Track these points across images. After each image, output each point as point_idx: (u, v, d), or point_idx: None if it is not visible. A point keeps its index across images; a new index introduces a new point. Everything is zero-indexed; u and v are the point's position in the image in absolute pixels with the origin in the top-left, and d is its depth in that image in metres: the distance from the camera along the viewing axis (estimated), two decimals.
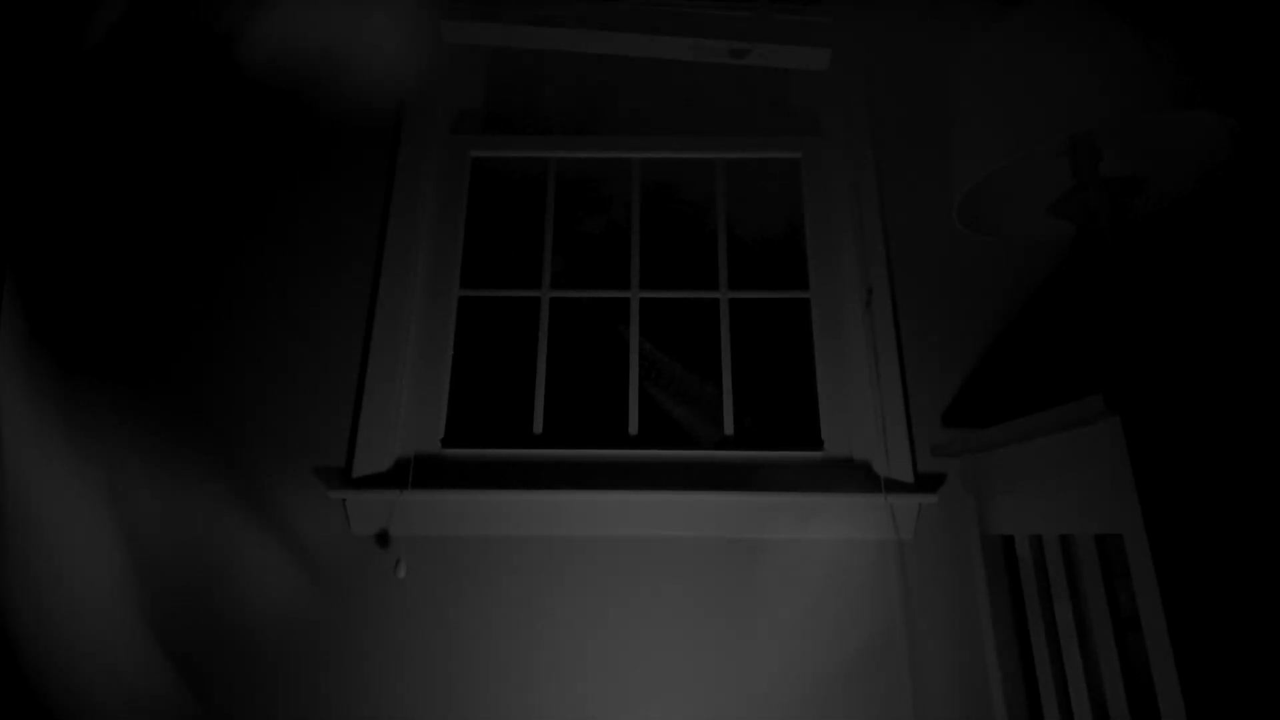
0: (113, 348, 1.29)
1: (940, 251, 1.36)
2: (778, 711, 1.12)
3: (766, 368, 1.38)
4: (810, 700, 1.12)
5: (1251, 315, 1.31)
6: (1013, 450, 1.03)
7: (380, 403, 1.26)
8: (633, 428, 1.32)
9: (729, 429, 1.32)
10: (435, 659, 1.14)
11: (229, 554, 1.18)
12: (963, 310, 1.32)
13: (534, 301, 1.42)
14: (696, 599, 1.17)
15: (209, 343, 1.30)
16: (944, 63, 1.50)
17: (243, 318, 1.32)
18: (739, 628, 1.16)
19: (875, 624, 1.15)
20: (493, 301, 1.42)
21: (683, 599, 1.17)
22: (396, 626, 1.16)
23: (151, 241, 1.36)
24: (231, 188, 1.41)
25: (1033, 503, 0.98)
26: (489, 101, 1.56)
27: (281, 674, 1.14)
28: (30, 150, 1.41)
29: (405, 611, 1.16)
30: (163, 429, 1.25)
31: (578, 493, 1.17)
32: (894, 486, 1.21)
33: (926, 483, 1.23)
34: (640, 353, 1.37)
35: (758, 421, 1.34)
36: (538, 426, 1.32)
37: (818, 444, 1.29)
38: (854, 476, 1.25)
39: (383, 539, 1.20)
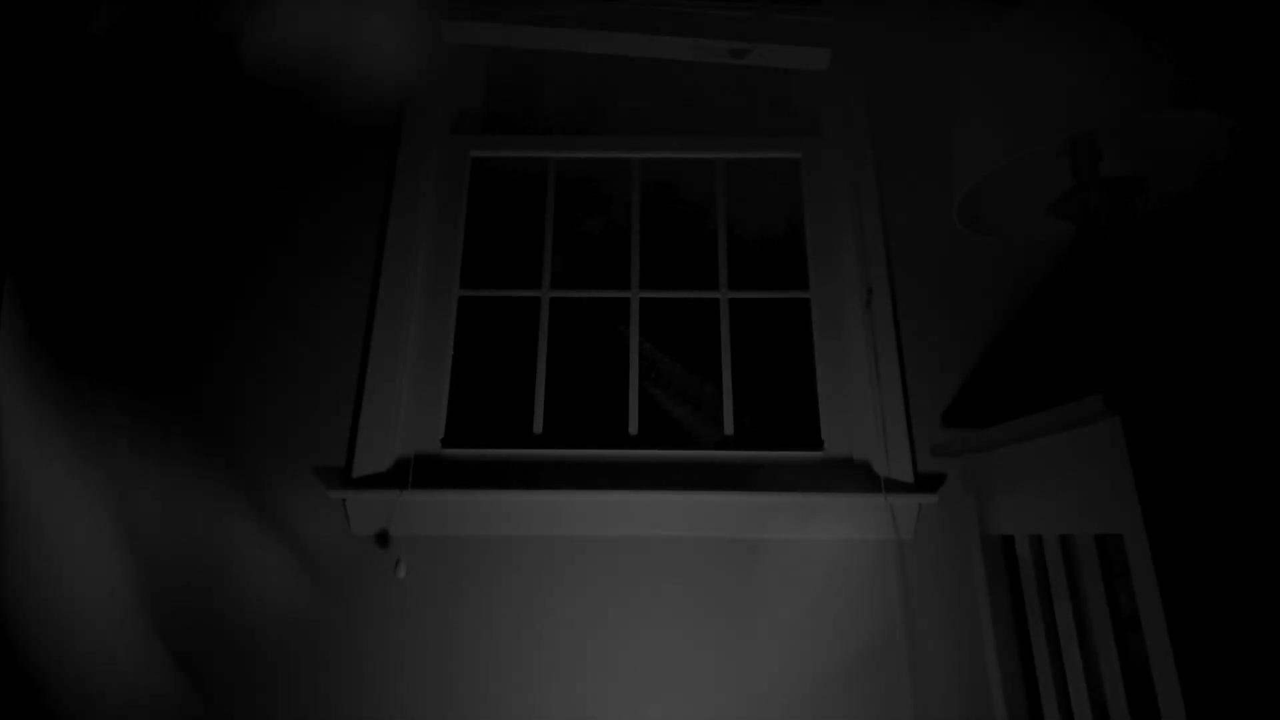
0: (113, 348, 1.29)
1: (940, 251, 1.36)
2: (778, 711, 1.12)
3: (766, 368, 1.38)
4: (810, 700, 1.12)
5: (1251, 315, 1.31)
6: (1013, 450, 1.03)
7: (380, 403, 1.26)
8: (633, 428, 1.32)
9: (729, 429, 1.32)
10: (435, 659, 1.14)
11: (229, 554, 1.18)
12: (963, 310, 1.32)
13: (534, 301, 1.42)
14: (696, 599, 1.17)
15: (209, 343, 1.30)
16: (944, 63, 1.50)
17: (243, 318, 1.32)
18: (739, 628, 1.16)
19: (875, 624, 1.15)
20: (493, 301, 1.42)
21: (683, 599, 1.17)
22: (396, 626, 1.16)
23: (151, 241, 1.36)
24: (231, 188, 1.41)
25: (1033, 503, 0.98)
26: (489, 101, 1.56)
27: (281, 674, 1.14)
28: (30, 150, 1.41)
29: (405, 611, 1.16)
30: (163, 429, 1.25)
31: (578, 493, 1.17)
32: (894, 486, 1.21)
33: (926, 483, 1.23)
34: (640, 353, 1.37)
35: (758, 421, 1.34)
36: (538, 426, 1.32)
37: (818, 444, 1.29)
38: (854, 476, 1.25)
39: (383, 539, 1.20)
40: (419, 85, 1.48)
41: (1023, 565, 1.03)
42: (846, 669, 1.13)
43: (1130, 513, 0.76)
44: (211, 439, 1.24)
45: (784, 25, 1.47)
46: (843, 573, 1.18)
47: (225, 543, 1.19)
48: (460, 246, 1.42)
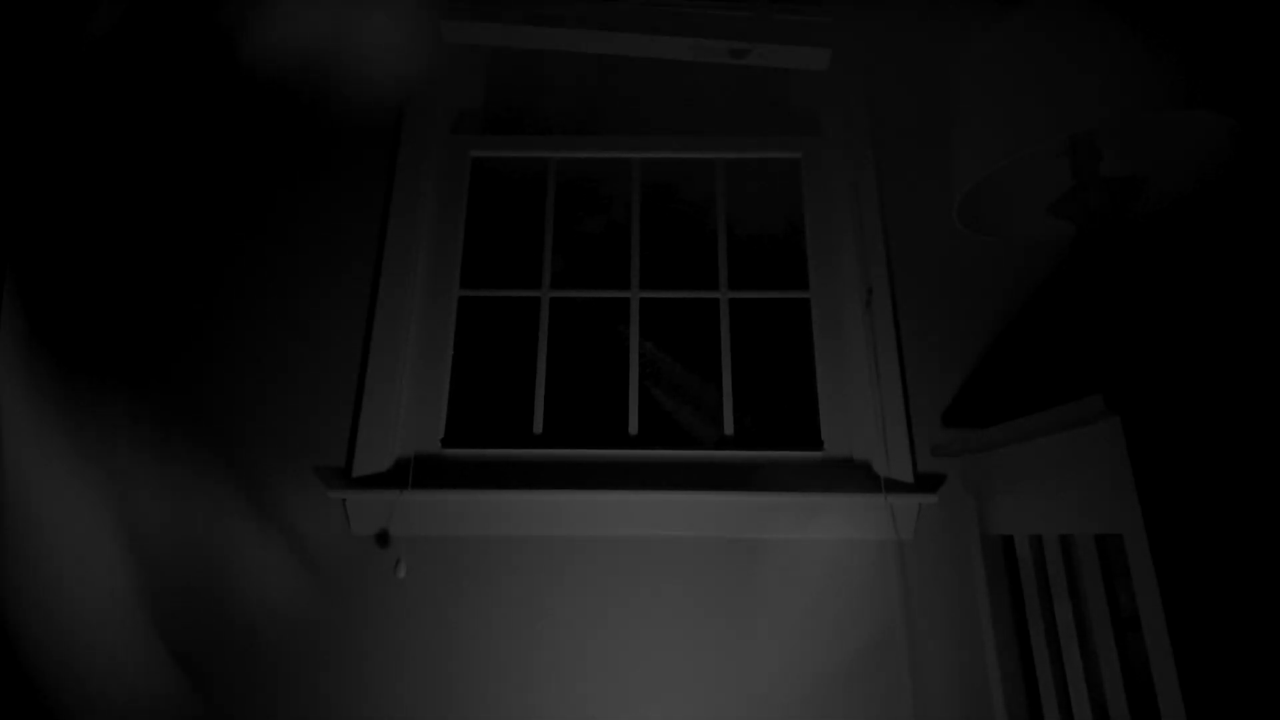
0: (113, 348, 1.29)
1: (940, 251, 1.36)
2: (778, 711, 1.12)
3: (766, 368, 1.38)
4: (810, 700, 1.12)
5: (1251, 315, 1.31)
6: (1013, 450, 1.03)
7: (380, 403, 1.26)
8: (633, 428, 1.32)
9: (729, 429, 1.32)
10: (435, 659, 1.14)
11: (229, 554, 1.18)
12: (963, 310, 1.32)
13: (534, 301, 1.42)
14: (696, 599, 1.17)
15: (209, 343, 1.30)
16: (944, 63, 1.50)
17: (243, 318, 1.32)
18: (739, 628, 1.16)
19: (875, 624, 1.15)
20: (493, 301, 1.42)
21: (683, 599, 1.17)
22: (396, 626, 1.16)
23: (151, 241, 1.36)
24: (231, 188, 1.41)
25: (1033, 503, 0.98)
26: (489, 101, 1.56)
27: (281, 674, 1.14)
28: (30, 150, 1.41)
29: (405, 611, 1.16)
30: (163, 429, 1.25)
31: (578, 493, 1.17)
32: (894, 486, 1.21)
33: (926, 483, 1.23)
34: (640, 353, 1.37)
35: (758, 421, 1.34)
36: (538, 426, 1.32)
37: (818, 444, 1.29)
38: (854, 476, 1.25)
39: (383, 539, 1.20)
40: (419, 85, 1.48)
41: (1023, 565, 1.03)
42: (846, 669, 1.13)
43: (1130, 513, 0.76)
44: (211, 439, 1.24)
45: (784, 25, 1.47)
46: (843, 573, 1.18)
47: (225, 542, 1.19)
48: (460, 246, 1.42)
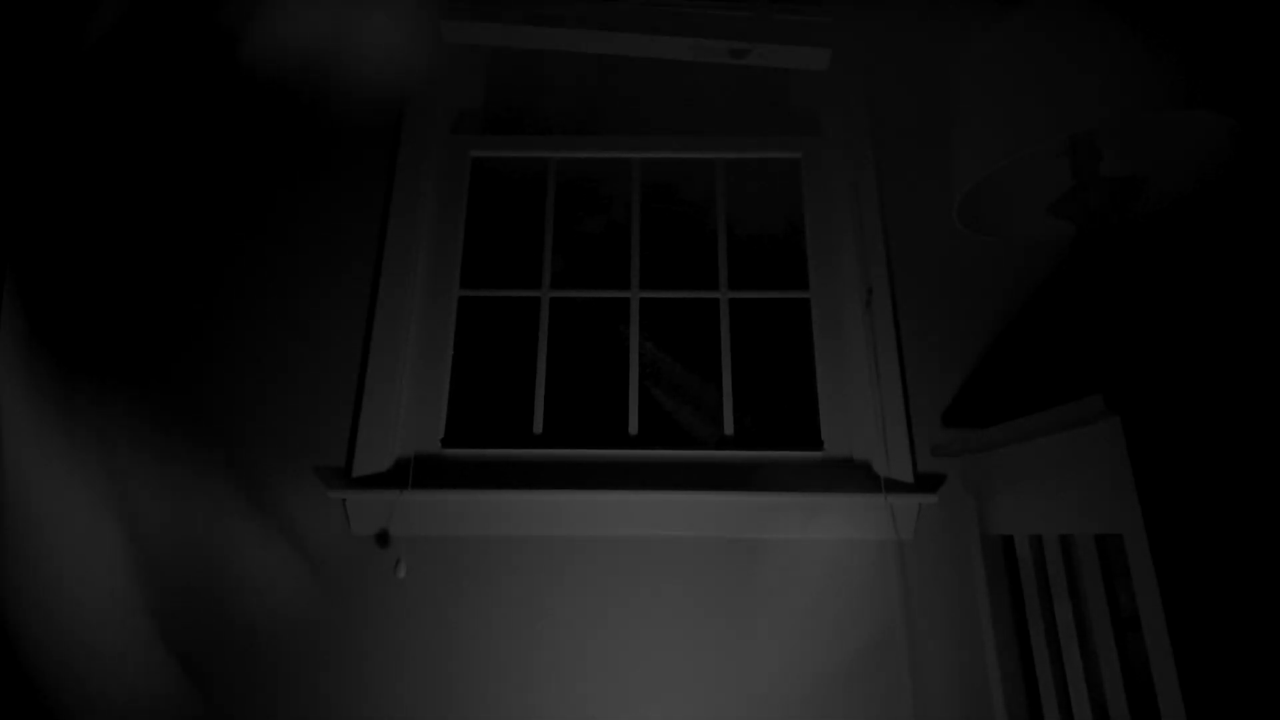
0: (113, 348, 1.29)
1: (940, 251, 1.36)
2: (778, 711, 1.12)
3: (766, 368, 1.38)
4: (810, 700, 1.12)
5: (1251, 315, 1.31)
6: (1013, 450, 1.03)
7: (380, 403, 1.26)
8: (633, 428, 1.32)
9: (729, 429, 1.32)
10: (435, 659, 1.14)
11: (229, 554, 1.18)
12: (963, 310, 1.32)
13: (534, 301, 1.42)
14: (696, 599, 1.17)
15: (209, 343, 1.30)
16: (944, 63, 1.50)
17: (243, 318, 1.32)
18: (739, 628, 1.16)
19: (875, 624, 1.15)
20: (493, 301, 1.42)
21: (683, 599, 1.17)
22: (396, 626, 1.16)
23: (151, 241, 1.36)
24: (231, 188, 1.41)
25: (1033, 503, 0.98)
26: (489, 101, 1.56)
27: (281, 674, 1.14)
28: (30, 150, 1.41)
29: (405, 611, 1.16)
30: (163, 429, 1.25)
31: (578, 493, 1.17)
32: (894, 486, 1.21)
33: (926, 483, 1.23)
34: (640, 353, 1.37)
35: (758, 421, 1.34)
36: (538, 426, 1.32)
37: (818, 444, 1.29)
38: (854, 476, 1.25)
39: (383, 539, 1.20)
40: (419, 85, 1.48)
41: (1023, 565, 1.03)
42: (846, 669, 1.13)
43: (1130, 513, 0.76)
44: (211, 439, 1.24)
45: (784, 25, 1.47)
46: (843, 573, 1.18)
47: (225, 542, 1.19)
48: (460, 246, 1.42)
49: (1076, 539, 0.91)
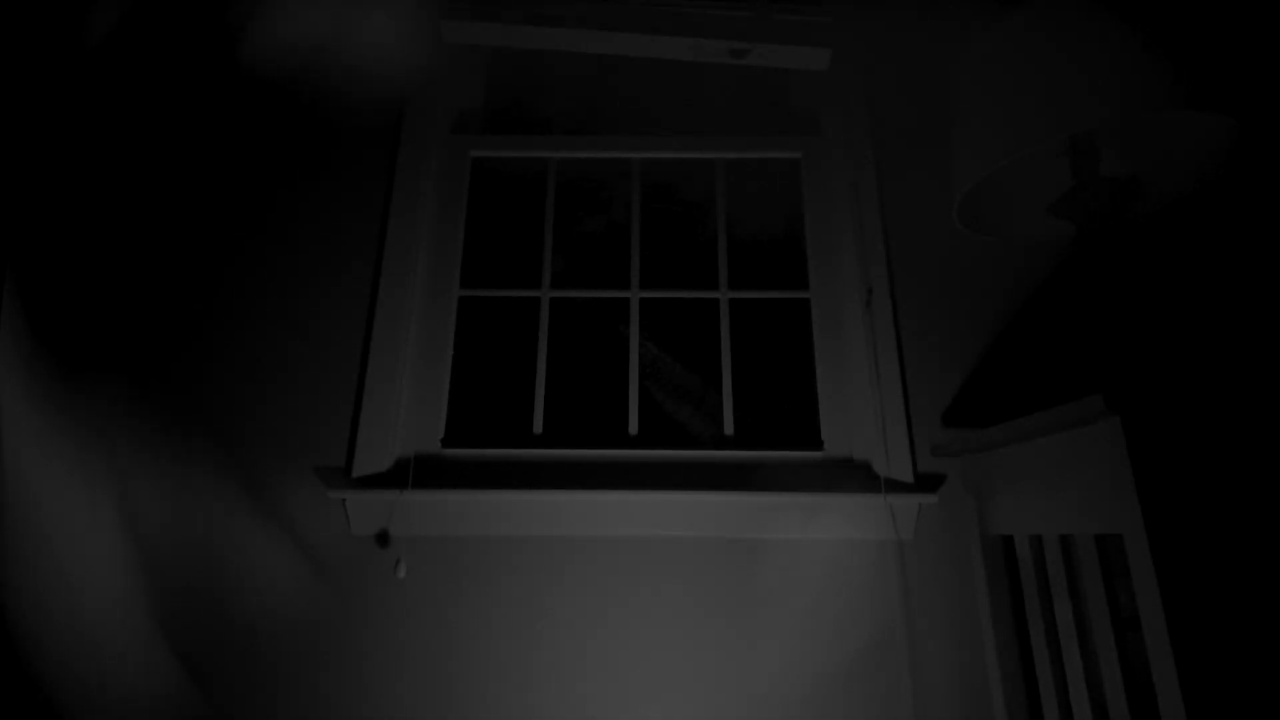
0: (113, 347, 1.29)
1: (940, 251, 1.36)
2: (778, 711, 1.12)
3: (766, 368, 1.38)
4: (810, 700, 1.12)
5: (1251, 315, 1.31)
6: (1013, 450, 1.03)
7: (380, 403, 1.26)
8: (633, 428, 1.32)
9: (729, 429, 1.32)
10: (435, 659, 1.14)
11: (229, 553, 1.18)
12: (963, 310, 1.32)
13: (534, 301, 1.42)
14: (696, 599, 1.17)
15: (209, 343, 1.30)
16: (944, 63, 1.50)
17: (243, 318, 1.32)
18: (739, 628, 1.16)
19: (875, 624, 1.15)
20: (493, 301, 1.42)
21: (683, 599, 1.17)
22: (396, 626, 1.16)
23: (151, 241, 1.36)
24: (231, 188, 1.41)
25: (1033, 503, 0.98)
26: (489, 101, 1.56)
27: (281, 674, 1.14)
28: (30, 150, 1.41)
29: (405, 611, 1.16)
30: (163, 429, 1.25)
31: (578, 493, 1.17)
32: (894, 486, 1.21)
33: (926, 483, 1.23)
34: (640, 352, 1.37)
35: (758, 421, 1.34)
36: (538, 426, 1.32)
37: (818, 444, 1.29)
38: (854, 476, 1.25)
39: (383, 539, 1.20)
40: (419, 85, 1.48)
41: (1023, 565, 1.03)
42: (846, 669, 1.13)
43: (1130, 513, 0.76)
44: (212, 439, 1.24)
45: (784, 25, 1.47)
46: (843, 573, 1.18)
47: (225, 542, 1.19)
48: (460, 246, 1.42)
49: (1076, 539, 0.91)
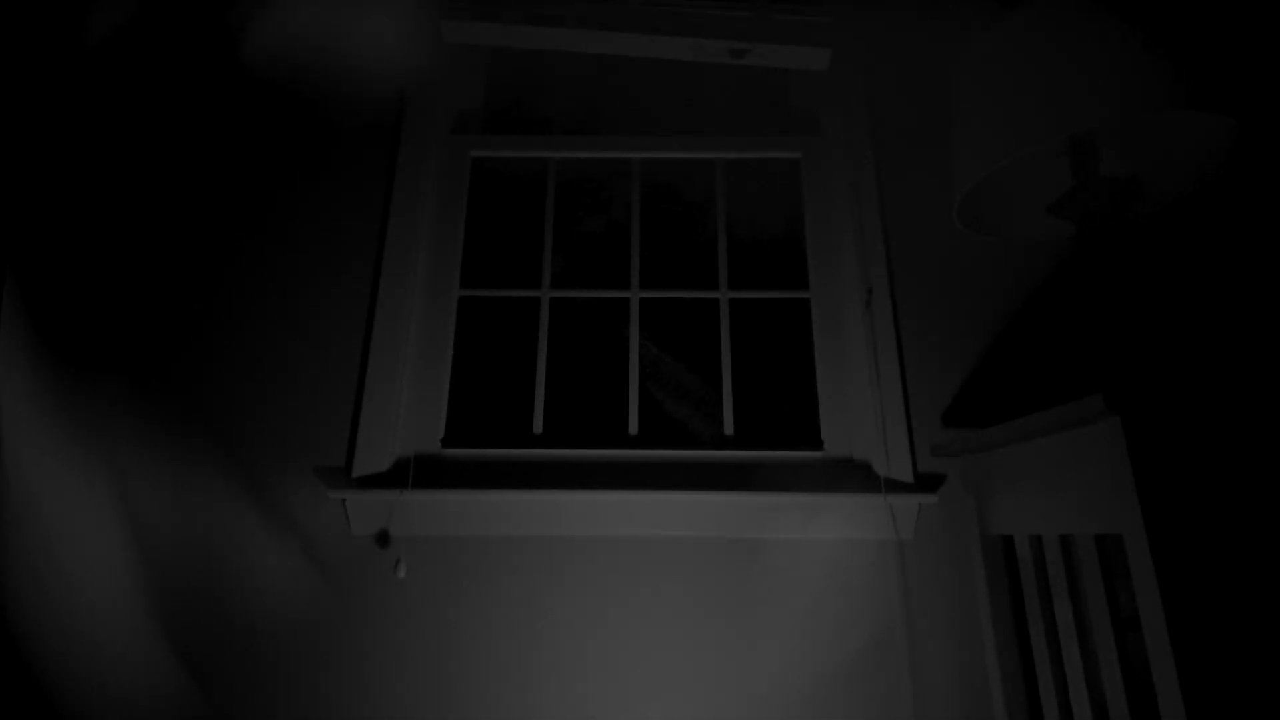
0: (113, 347, 1.29)
1: (940, 251, 1.36)
2: (778, 711, 1.12)
3: (766, 368, 1.38)
4: (810, 700, 1.12)
5: (1251, 315, 1.31)
6: (1013, 450, 1.03)
7: (380, 403, 1.26)
8: (633, 428, 1.32)
9: (729, 429, 1.32)
10: (435, 659, 1.14)
11: (229, 553, 1.18)
12: (963, 310, 1.32)
13: (534, 301, 1.42)
14: (696, 599, 1.17)
15: (209, 343, 1.30)
16: (944, 63, 1.50)
17: (243, 318, 1.32)
18: (739, 628, 1.16)
19: (875, 624, 1.15)
20: (493, 301, 1.42)
21: (683, 599, 1.17)
22: (396, 626, 1.16)
23: (152, 241, 1.36)
24: (231, 188, 1.41)
25: (1033, 503, 0.98)
26: (489, 101, 1.56)
27: (281, 674, 1.14)
28: (30, 149, 1.41)
29: (405, 611, 1.16)
30: (163, 429, 1.25)
31: (578, 493, 1.17)
32: (894, 486, 1.21)
33: (926, 483, 1.23)
34: (640, 352, 1.37)
35: (758, 421, 1.34)
36: (538, 426, 1.32)
37: (818, 444, 1.29)
38: (854, 476, 1.25)
39: (383, 539, 1.20)
40: (419, 85, 1.48)
41: (1023, 565, 1.03)
42: (846, 669, 1.13)
43: (1130, 513, 0.76)
44: (212, 439, 1.24)
45: (784, 25, 1.47)
46: (843, 573, 1.18)
47: (225, 542, 1.19)
48: (460, 246, 1.42)
49: (1076, 539, 0.91)
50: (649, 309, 1.42)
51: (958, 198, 1.10)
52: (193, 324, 1.31)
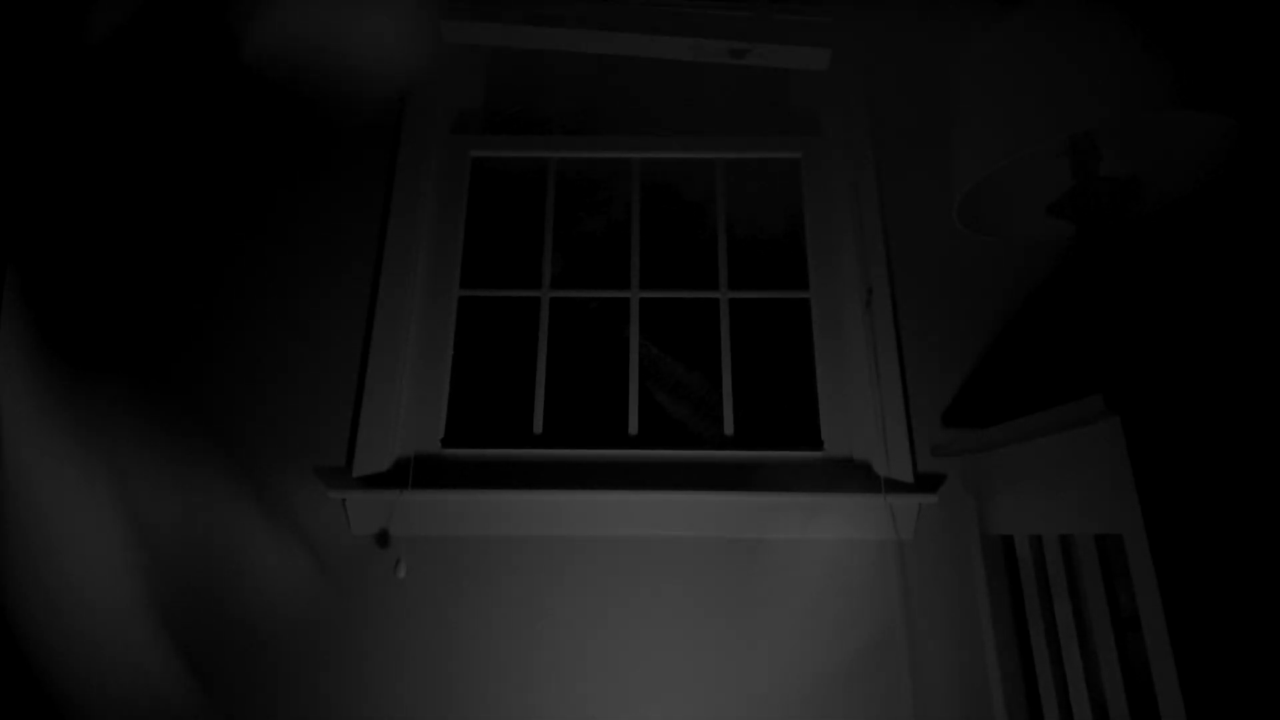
0: (114, 347, 1.29)
1: (940, 251, 1.36)
2: (778, 711, 1.12)
3: (767, 368, 1.38)
4: (810, 700, 1.12)
5: (1251, 315, 1.31)
6: (1013, 450, 1.03)
7: (380, 403, 1.26)
8: (633, 428, 1.32)
9: (729, 429, 1.32)
10: (435, 659, 1.14)
11: (229, 553, 1.18)
12: (963, 310, 1.32)
13: (534, 301, 1.42)
14: (696, 599, 1.17)
15: (209, 343, 1.30)
16: (944, 63, 1.50)
17: (243, 318, 1.32)
18: (739, 628, 1.16)
19: (875, 624, 1.15)
20: (493, 301, 1.42)
21: (683, 599, 1.17)
22: (396, 626, 1.16)
23: (152, 241, 1.36)
24: (231, 187, 1.41)
25: (1033, 503, 0.98)
26: (489, 101, 1.56)
27: (281, 674, 1.14)
28: (31, 149, 1.41)
29: (405, 611, 1.16)
30: (163, 429, 1.25)
31: (578, 493, 1.17)
32: (894, 486, 1.21)
33: (926, 483, 1.23)
34: (640, 352, 1.37)
35: (758, 421, 1.34)
36: (538, 426, 1.32)
37: (818, 444, 1.29)
38: (854, 476, 1.25)
39: (383, 539, 1.20)
40: (419, 85, 1.48)
41: (1023, 565, 1.03)
42: (846, 669, 1.13)
43: (1130, 513, 0.76)
44: (212, 439, 1.24)
45: (784, 25, 1.47)
46: (843, 573, 1.18)
47: (225, 542, 1.19)
48: (460, 246, 1.42)
49: (1076, 539, 0.91)
50: (649, 309, 1.42)
51: (958, 198, 1.10)
52: (193, 324, 1.31)
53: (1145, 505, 0.74)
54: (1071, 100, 0.92)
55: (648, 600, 1.17)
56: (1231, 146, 1.00)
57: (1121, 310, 0.99)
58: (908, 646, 1.15)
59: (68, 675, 1.12)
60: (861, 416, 1.29)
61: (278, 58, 1.50)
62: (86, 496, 1.20)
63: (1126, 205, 1.01)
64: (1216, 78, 0.92)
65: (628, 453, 1.28)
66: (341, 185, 1.41)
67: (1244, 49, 1.46)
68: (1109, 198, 1.00)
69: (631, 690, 1.13)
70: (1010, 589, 1.11)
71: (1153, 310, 1.32)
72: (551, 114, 1.55)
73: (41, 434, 1.23)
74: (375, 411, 1.25)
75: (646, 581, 1.18)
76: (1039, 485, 0.96)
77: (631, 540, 1.20)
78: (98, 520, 1.19)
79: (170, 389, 1.27)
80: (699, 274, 1.44)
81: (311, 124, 1.45)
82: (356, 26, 1.52)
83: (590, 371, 1.38)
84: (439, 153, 1.47)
